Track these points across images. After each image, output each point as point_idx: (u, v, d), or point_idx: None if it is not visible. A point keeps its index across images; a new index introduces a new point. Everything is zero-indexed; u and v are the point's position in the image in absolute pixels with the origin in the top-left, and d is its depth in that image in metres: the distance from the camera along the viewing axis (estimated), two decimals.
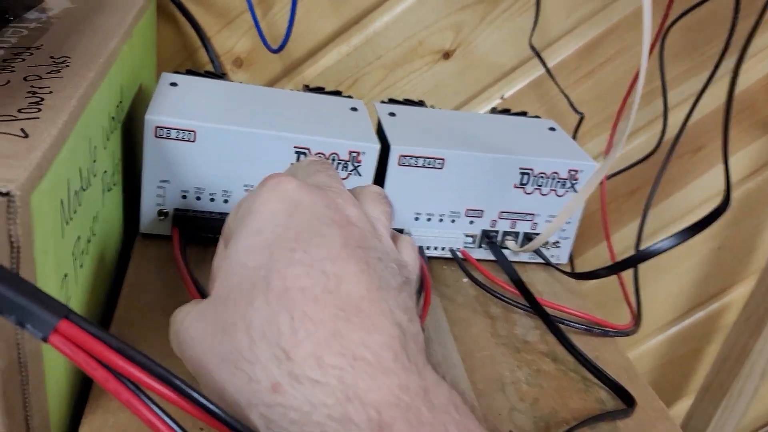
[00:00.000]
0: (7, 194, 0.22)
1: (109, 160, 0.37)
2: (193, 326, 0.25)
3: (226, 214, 0.43)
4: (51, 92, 0.30)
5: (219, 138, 0.41)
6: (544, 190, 0.46)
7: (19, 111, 0.28)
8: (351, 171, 0.43)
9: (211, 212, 0.43)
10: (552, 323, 0.40)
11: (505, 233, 0.48)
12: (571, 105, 0.57)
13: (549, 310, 0.41)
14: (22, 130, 0.27)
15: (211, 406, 0.22)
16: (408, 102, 0.52)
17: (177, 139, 0.40)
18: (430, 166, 0.44)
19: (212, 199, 0.43)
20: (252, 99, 0.45)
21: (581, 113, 0.58)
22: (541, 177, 0.46)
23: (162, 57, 0.57)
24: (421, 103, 0.52)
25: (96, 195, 0.35)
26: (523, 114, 0.53)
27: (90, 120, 0.32)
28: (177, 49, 0.57)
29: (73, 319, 0.20)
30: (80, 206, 0.31)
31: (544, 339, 0.42)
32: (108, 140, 0.37)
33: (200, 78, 0.47)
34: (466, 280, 0.47)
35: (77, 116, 0.30)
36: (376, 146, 0.43)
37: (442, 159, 0.44)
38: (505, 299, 0.44)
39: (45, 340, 0.20)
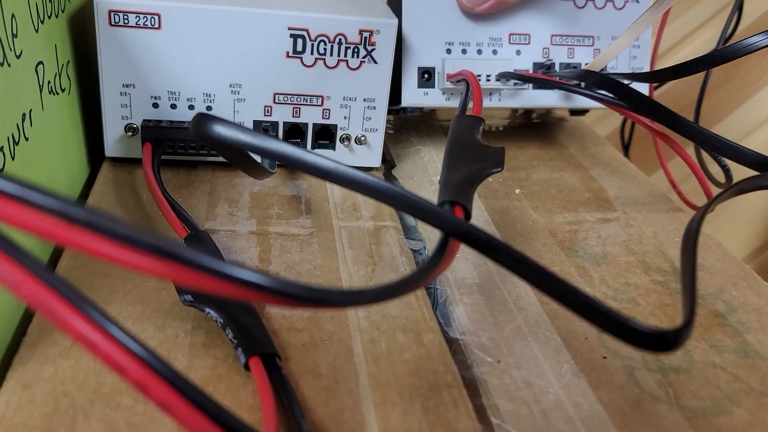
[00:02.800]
0: None
1: (46, 51, 0.29)
2: None
3: None
4: None
5: (191, 21, 0.32)
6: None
7: None
8: (364, 58, 0.34)
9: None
10: None
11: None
12: None
13: None
14: None
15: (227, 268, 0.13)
16: None
17: (138, 26, 0.32)
18: None
19: (191, 106, 0.34)
20: None
21: None
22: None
23: None
24: None
25: (25, 85, 0.26)
26: None
27: None
28: None
29: None
30: None
31: (629, 248, 0.33)
32: (42, 23, 0.28)
33: None
34: None
35: None
36: (394, 21, 0.34)
37: None
38: None
39: None
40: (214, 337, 0.24)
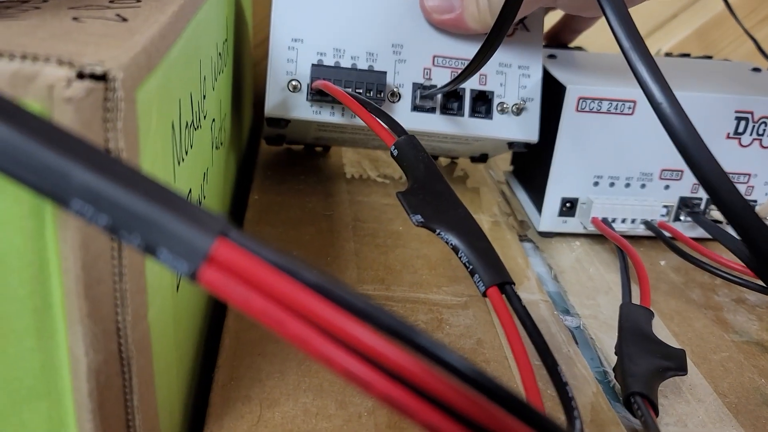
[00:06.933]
0: (103, 77, 0.14)
1: (216, 107, 0.29)
2: None
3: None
4: None
5: None
6: (766, 141, 0.35)
7: (111, 1, 0.20)
8: (517, 24, 0.34)
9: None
10: None
11: (710, 200, 0.37)
12: (759, 47, 0.46)
13: None
14: (119, 15, 0.18)
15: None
16: (562, 46, 0.42)
17: None
18: (618, 111, 0.34)
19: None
20: None
21: None
22: (764, 123, 0.35)
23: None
24: (580, 49, 0.42)
25: (205, 145, 0.26)
26: (708, 57, 0.42)
27: (199, 36, 0.23)
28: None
29: (235, 238, 0.11)
30: (192, 149, 0.22)
31: None
32: (215, 80, 0.28)
33: None
34: (664, 262, 0.36)
35: (188, 17, 0.21)
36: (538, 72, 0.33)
37: (633, 102, 0.34)
38: (737, 279, 0.32)
39: (194, 276, 0.11)
40: (395, 417, 0.23)
